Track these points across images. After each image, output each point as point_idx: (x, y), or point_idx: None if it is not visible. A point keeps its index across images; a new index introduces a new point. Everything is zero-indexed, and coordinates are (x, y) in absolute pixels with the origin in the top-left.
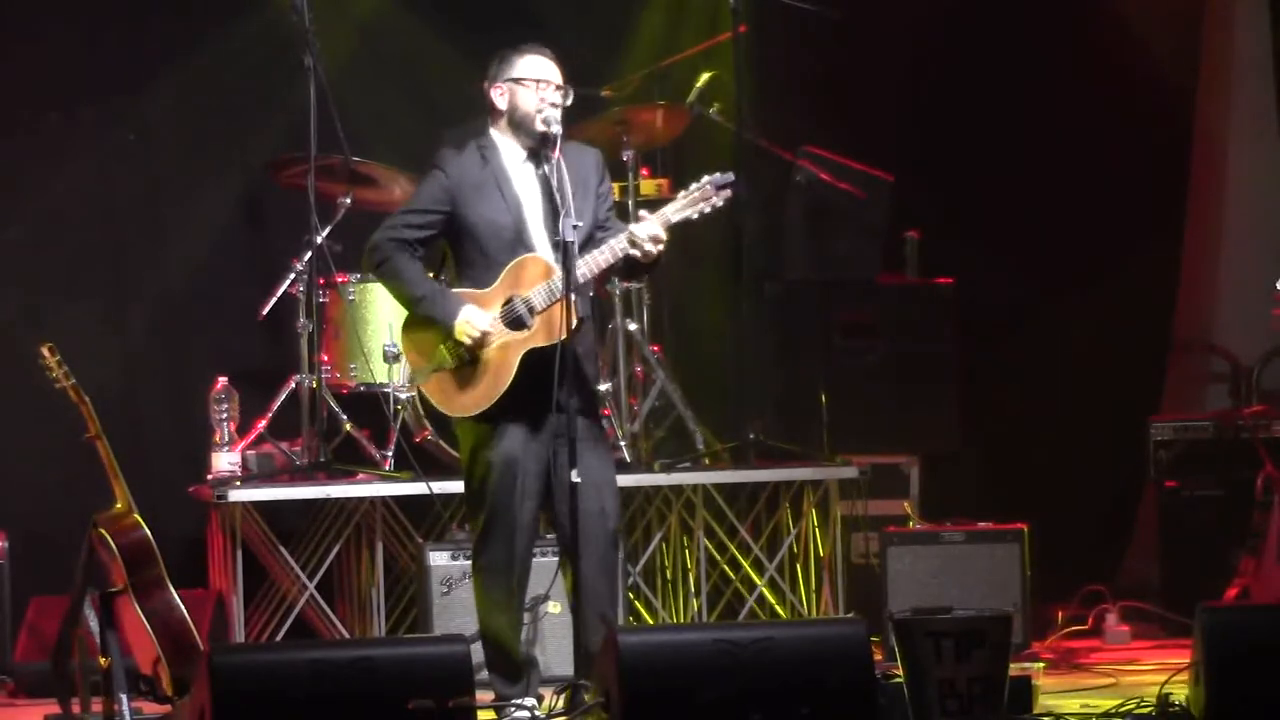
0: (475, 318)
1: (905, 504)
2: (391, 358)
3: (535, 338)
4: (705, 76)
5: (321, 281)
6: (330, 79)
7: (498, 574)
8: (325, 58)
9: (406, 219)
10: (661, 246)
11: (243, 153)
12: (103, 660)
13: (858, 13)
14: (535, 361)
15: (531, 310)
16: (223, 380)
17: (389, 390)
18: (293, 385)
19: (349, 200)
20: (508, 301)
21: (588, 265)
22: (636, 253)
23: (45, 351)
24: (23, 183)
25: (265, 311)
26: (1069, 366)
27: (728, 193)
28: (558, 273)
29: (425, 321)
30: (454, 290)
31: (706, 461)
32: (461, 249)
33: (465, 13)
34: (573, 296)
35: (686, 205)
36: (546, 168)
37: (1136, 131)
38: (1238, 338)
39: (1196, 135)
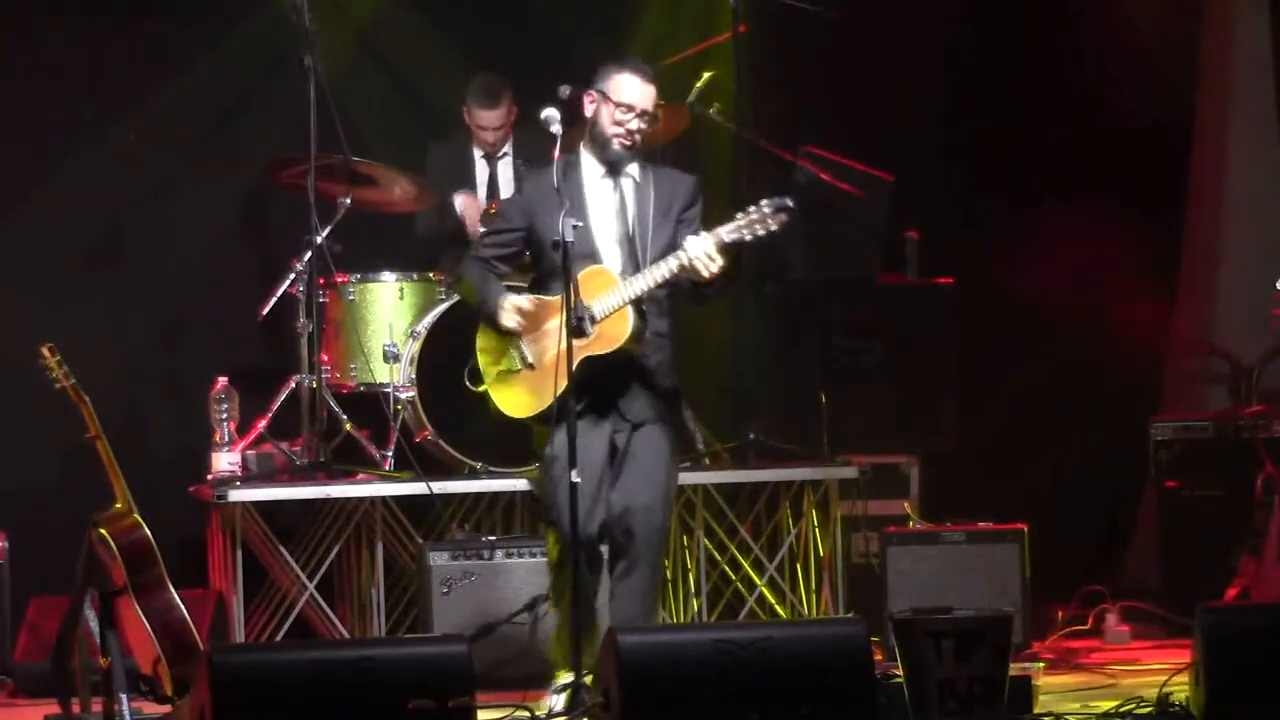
0: (512, 299)
1: (905, 504)
2: (391, 358)
3: (594, 345)
4: (705, 76)
5: (321, 281)
6: (330, 79)
7: (563, 561)
8: (325, 58)
9: (486, 238)
10: (719, 266)
11: (243, 153)
12: (103, 660)
13: (857, 12)
14: (594, 367)
15: (592, 319)
16: (223, 380)
17: (389, 390)
18: (293, 385)
19: (349, 200)
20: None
21: (643, 280)
22: (688, 270)
23: (45, 351)
24: (23, 183)
25: (265, 311)
26: (1069, 367)
27: (784, 217)
28: (622, 284)
29: (490, 325)
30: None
31: (706, 461)
32: (539, 261)
33: (465, 12)
34: (641, 306)
35: (743, 226)
36: (623, 187)
37: (1137, 131)
38: (1238, 338)
39: (1196, 135)
